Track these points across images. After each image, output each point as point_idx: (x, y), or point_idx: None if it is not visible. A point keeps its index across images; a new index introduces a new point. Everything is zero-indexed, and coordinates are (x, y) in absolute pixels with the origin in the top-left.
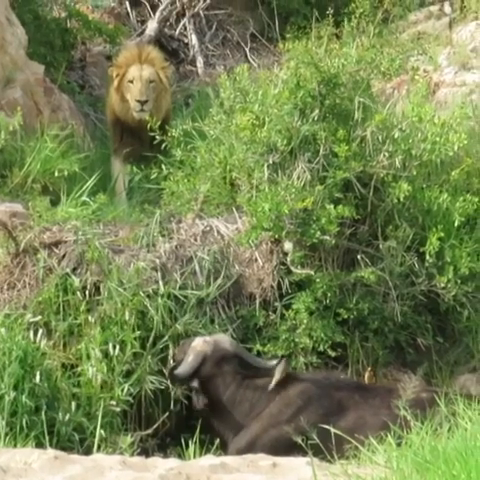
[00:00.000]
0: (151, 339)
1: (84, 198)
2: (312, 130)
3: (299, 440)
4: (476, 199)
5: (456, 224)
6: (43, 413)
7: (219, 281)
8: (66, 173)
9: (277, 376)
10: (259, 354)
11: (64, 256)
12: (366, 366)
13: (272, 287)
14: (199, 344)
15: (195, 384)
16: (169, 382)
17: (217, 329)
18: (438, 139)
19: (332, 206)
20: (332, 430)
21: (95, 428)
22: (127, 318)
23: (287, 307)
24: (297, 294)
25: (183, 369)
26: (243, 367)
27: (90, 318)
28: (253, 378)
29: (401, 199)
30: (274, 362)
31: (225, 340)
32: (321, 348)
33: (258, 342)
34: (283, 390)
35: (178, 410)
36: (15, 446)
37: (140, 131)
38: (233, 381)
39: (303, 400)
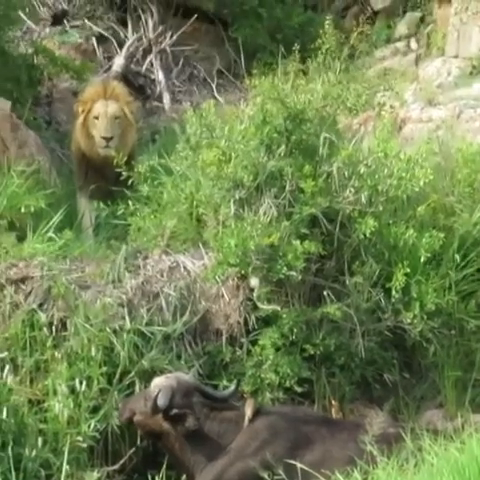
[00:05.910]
0: (117, 375)
1: (50, 234)
2: (278, 166)
3: (265, 475)
4: (442, 235)
5: (422, 260)
6: (10, 449)
7: (185, 317)
8: (32, 209)
9: (248, 414)
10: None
11: (31, 292)
12: (332, 402)
13: (239, 323)
14: (162, 380)
15: (176, 411)
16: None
17: (183, 365)
18: (404, 175)
19: (298, 242)
20: (298, 465)
21: (61, 464)
22: (93, 354)
23: (253, 343)
24: (263, 330)
25: (161, 401)
26: (207, 400)
27: (57, 354)
28: (221, 410)
29: (367, 235)
30: (231, 389)
31: (184, 375)
32: (287, 384)
33: (224, 378)
34: (250, 423)
35: (145, 446)
36: None
37: (105, 167)
38: (200, 413)
39: (270, 433)
